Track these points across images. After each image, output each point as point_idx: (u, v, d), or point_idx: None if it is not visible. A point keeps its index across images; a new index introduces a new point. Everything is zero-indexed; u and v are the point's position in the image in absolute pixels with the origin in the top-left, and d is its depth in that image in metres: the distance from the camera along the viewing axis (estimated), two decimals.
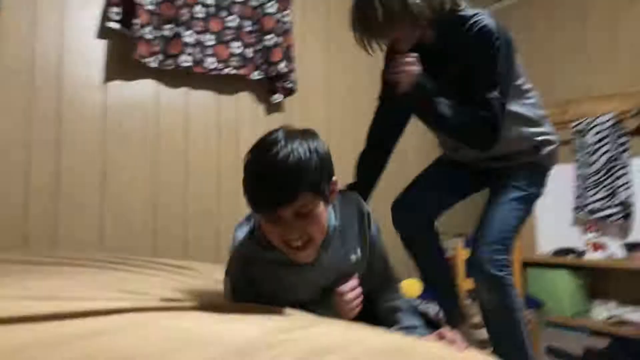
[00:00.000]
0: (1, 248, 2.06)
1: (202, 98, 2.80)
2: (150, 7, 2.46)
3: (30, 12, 2.32)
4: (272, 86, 2.99)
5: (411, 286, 2.77)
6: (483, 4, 4.30)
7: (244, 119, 2.94)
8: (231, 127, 2.89)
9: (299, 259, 1.11)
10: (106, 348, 0.80)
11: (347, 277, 1.23)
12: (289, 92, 3.00)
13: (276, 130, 1.04)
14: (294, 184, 0.98)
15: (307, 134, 1.05)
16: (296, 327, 0.98)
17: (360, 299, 1.22)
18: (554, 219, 3.64)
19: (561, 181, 3.61)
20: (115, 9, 2.41)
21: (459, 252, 2.63)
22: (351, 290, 1.21)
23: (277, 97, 2.98)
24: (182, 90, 2.74)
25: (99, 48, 2.48)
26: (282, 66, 2.86)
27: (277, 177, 0.97)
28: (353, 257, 1.22)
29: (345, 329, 1.05)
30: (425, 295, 3.05)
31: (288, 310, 1.12)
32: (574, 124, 3.50)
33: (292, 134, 1.02)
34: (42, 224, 2.28)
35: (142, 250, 2.49)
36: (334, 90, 3.36)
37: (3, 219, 2.19)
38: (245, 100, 2.96)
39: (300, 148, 0.99)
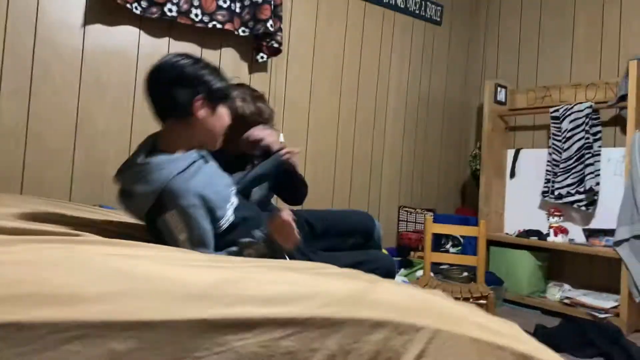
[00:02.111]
0: None
1: (184, 50, 2.72)
2: None
3: None
4: (257, 44, 2.93)
5: None
6: None
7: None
8: None
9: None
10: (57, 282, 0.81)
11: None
12: (274, 52, 2.95)
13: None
14: None
15: None
16: (248, 274, 1.00)
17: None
18: (523, 202, 3.75)
19: (534, 165, 3.69)
20: None
21: (429, 225, 2.69)
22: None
23: (262, 56, 2.93)
24: (165, 40, 2.66)
25: None
26: (270, 24, 2.79)
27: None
28: None
29: (297, 274, 1.09)
30: None
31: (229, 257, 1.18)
32: (552, 109, 3.55)
33: None
34: (9, 165, 2.23)
35: (111, 200, 2.46)
36: (320, 55, 3.31)
37: None
38: (228, 56, 2.90)
39: None
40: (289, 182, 1.84)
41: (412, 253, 3.46)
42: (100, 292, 0.83)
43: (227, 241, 1.39)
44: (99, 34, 2.44)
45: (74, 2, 2.37)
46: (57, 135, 2.34)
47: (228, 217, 1.40)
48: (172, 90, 1.34)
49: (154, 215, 1.30)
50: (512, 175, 3.84)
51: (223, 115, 1.43)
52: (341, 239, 1.80)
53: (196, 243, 1.30)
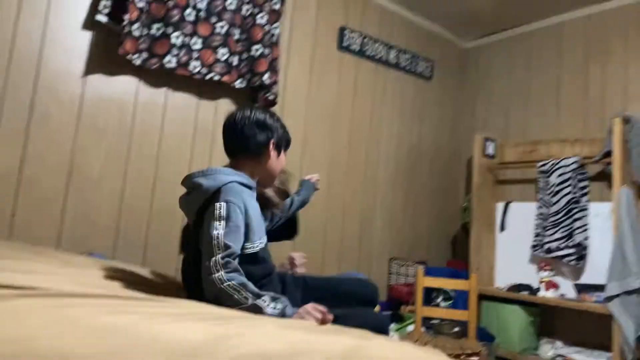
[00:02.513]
0: None
1: (182, 100, 2.79)
2: (141, 5, 2.44)
3: None
4: (253, 96, 3.00)
5: None
6: (472, 36, 4.44)
7: (220, 126, 2.92)
8: (207, 133, 2.88)
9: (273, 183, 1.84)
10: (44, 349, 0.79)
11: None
12: (270, 103, 3.02)
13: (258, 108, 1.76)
14: None
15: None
16: (241, 330, 0.99)
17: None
18: (513, 255, 3.76)
19: (523, 218, 3.73)
20: (105, 2, 2.38)
21: (420, 279, 2.69)
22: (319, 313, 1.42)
23: None
24: (162, 90, 2.71)
25: (84, 39, 2.44)
26: (266, 77, 2.87)
27: None
28: None
29: (291, 331, 1.07)
30: None
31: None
32: (540, 164, 3.63)
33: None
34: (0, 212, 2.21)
35: (100, 249, 2.44)
36: (314, 107, 3.39)
37: None
38: (224, 107, 2.95)
39: None
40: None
41: (402, 307, 3.41)
42: (90, 351, 0.81)
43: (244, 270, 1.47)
44: (99, 82, 2.49)
45: (77, 52, 2.43)
46: (50, 181, 2.34)
47: (255, 247, 1.58)
48: (253, 132, 1.67)
49: (206, 207, 1.53)
50: (502, 228, 3.87)
51: (283, 160, 1.79)
52: (337, 302, 1.80)
53: (229, 237, 1.45)
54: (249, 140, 1.66)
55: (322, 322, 1.38)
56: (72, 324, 0.87)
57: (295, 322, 1.20)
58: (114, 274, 1.62)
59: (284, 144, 1.77)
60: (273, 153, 1.72)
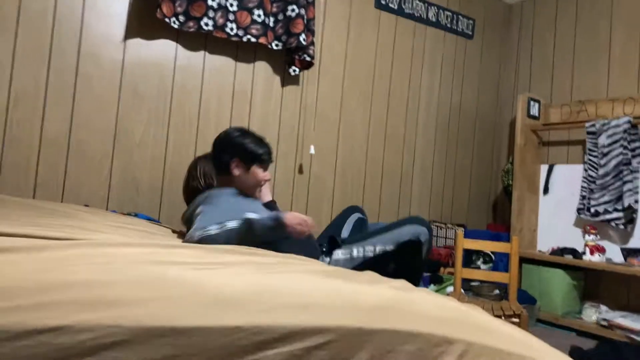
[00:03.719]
0: (9, 193, 2.10)
1: (219, 62, 2.79)
2: None
3: None
4: (290, 58, 2.97)
5: None
6: None
7: (258, 88, 2.93)
8: (245, 94, 2.89)
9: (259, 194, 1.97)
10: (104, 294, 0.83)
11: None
12: (306, 65, 2.99)
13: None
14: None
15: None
16: (283, 280, 1.01)
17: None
18: (556, 218, 3.66)
19: (568, 181, 3.60)
20: None
21: (460, 240, 2.65)
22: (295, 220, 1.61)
23: (294, 70, 2.96)
24: (200, 53, 2.72)
25: (122, 4, 2.47)
26: (302, 38, 2.83)
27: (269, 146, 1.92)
28: None
29: (331, 281, 1.08)
30: None
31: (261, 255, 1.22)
32: (588, 124, 3.47)
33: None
34: (51, 173, 2.31)
35: (146, 209, 2.52)
36: (352, 67, 3.33)
37: (14, 164, 2.22)
38: (261, 69, 2.94)
39: None
40: None
41: (442, 269, 3.40)
42: (138, 297, 0.84)
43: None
44: (138, 47, 2.52)
45: (117, 18, 2.46)
46: (96, 145, 2.42)
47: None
48: (219, 154, 1.87)
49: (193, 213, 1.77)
50: (546, 191, 3.76)
51: (254, 173, 1.86)
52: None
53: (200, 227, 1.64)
54: (217, 162, 1.89)
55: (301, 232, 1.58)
56: (121, 271, 0.91)
57: (337, 271, 1.21)
58: (159, 230, 1.67)
59: (250, 158, 1.84)
60: (238, 170, 1.84)
